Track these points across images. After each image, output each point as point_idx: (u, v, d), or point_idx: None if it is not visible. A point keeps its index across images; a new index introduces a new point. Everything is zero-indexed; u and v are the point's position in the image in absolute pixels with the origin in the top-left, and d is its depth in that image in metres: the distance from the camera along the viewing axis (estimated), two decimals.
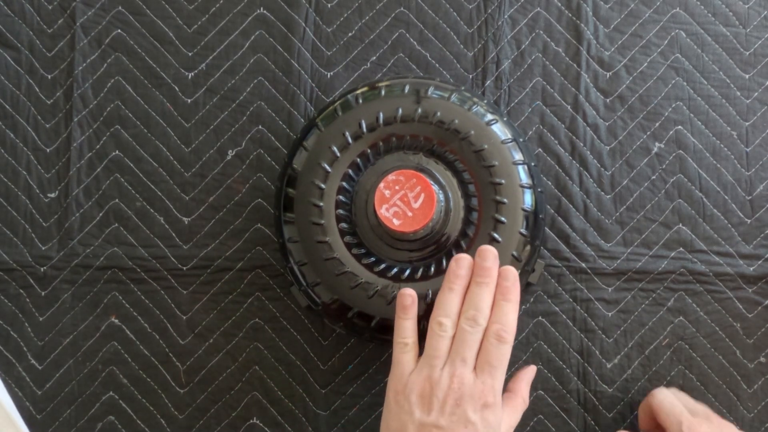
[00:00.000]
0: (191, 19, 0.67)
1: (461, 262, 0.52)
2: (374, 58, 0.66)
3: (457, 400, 0.48)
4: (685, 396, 0.61)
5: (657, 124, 0.66)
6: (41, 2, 0.67)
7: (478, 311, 0.50)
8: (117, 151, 0.66)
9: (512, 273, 0.52)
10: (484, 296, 0.51)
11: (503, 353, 0.50)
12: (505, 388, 0.55)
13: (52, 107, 0.66)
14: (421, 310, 0.54)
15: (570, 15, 0.66)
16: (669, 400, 0.58)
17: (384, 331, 0.56)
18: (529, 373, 0.56)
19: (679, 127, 0.66)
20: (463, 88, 0.60)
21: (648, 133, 0.65)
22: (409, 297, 0.52)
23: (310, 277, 0.56)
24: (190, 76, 0.66)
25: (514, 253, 0.55)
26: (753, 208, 0.65)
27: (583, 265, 0.64)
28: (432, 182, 0.52)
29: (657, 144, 0.65)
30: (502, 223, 0.54)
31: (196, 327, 0.64)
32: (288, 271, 0.58)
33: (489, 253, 0.51)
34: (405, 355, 0.51)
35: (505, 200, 0.55)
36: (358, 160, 0.56)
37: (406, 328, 0.52)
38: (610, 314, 0.64)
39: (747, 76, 0.66)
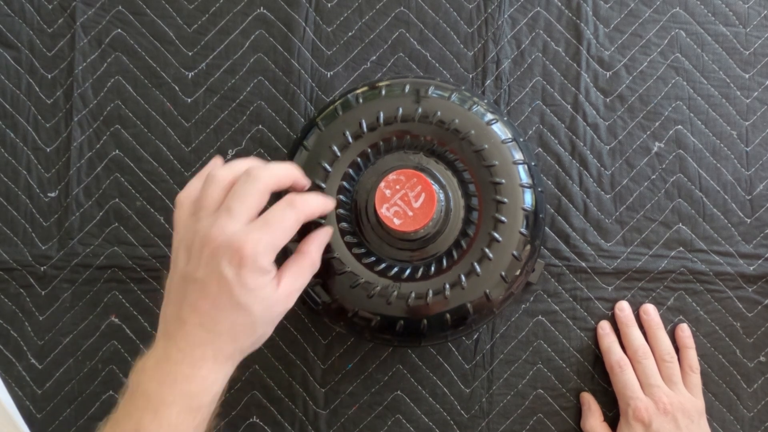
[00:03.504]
0: (191, 18, 0.67)
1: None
2: (374, 57, 0.66)
3: (214, 250, 0.44)
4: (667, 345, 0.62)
5: (657, 124, 0.66)
6: (41, 2, 0.67)
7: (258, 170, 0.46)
8: (117, 151, 0.66)
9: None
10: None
11: (285, 215, 0.45)
12: (296, 249, 0.50)
13: (52, 107, 0.66)
14: (417, 310, 0.54)
15: (570, 15, 0.66)
16: (624, 378, 0.60)
17: (384, 331, 0.56)
18: (322, 234, 0.50)
19: (679, 126, 0.66)
20: (463, 87, 0.60)
21: (648, 132, 0.66)
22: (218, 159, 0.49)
23: None
24: (190, 76, 0.66)
25: (514, 252, 0.55)
26: (753, 208, 0.65)
27: (583, 264, 0.64)
28: (432, 182, 0.52)
29: (657, 143, 0.65)
30: (502, 222, 0.54)
31: None
32: None
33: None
34: (178, 211, 0.48)
35: (505, 200, 0.55)
36: (359, 159, 0.56)
37: (190, 185, 0.48)
38: (610, 313, 0.64)
39: (747, 76, 0.66)
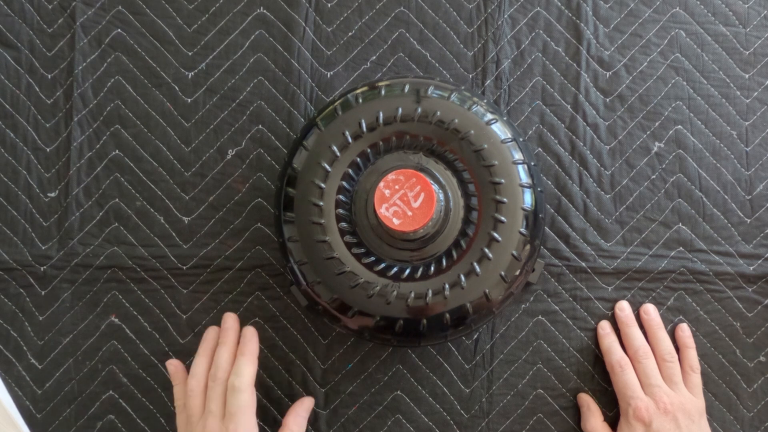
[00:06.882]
0: (191, 18, 0.67)
1: (209, 331, 0.62)
2: (374, 57, 0.66)
3: None
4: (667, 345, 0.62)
5: (657, 124, 0.66)
6: (41, 2, 0.67)
7: (218, 368, 0.58)
8: (117, 151, 0.66)
9: (250, 331, 0.60)
10: (223, 354, 0.59)
11: (239, 401, 0.56)
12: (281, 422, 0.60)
13: (52, 107, 0.66)
14: (417, 310, 0.54)
15: (570, 15, 0.66)
16: (625, 378, 0.60)
17: (384, 331, 0.56)
18: (304, 404, 0.62)
19: (679, 126, 0.66)
20: (463, 87, 0.60)
21: (648, 132, 0.65)
22: (171, 366, 0.61)
23: (310, 276, 0.56)
24: (190, 76, 0.66)
25: (514, 252, 0.55)
26: (753, 208, 0.65)
27: (583, 264, 0.64)
28: (432, 182, 0.52)
29: (657, 143, 0.65)
30: (502, 222, 0.54)
31: (196, 326, 0.64)
32: (288, 270, 0.58)
33: (228, 317, 0.61)
34: (179, 416, 0.59)
35: (505, 200, 0.55)
36: (358, 159, 0.56)
37: (176, 392, 0.60)
38: (610, 313, 0.64)
39: (747, 76, 0.66)
